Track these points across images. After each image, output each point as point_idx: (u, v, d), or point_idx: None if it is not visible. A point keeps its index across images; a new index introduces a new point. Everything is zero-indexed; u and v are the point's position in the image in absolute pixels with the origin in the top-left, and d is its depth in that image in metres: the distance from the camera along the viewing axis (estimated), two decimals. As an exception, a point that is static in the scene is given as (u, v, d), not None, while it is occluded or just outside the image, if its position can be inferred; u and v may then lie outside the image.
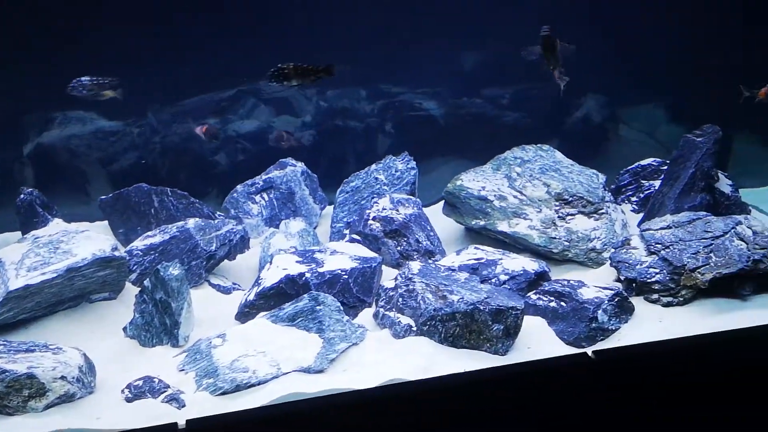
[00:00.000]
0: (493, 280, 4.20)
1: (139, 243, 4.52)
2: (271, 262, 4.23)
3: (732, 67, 5.87)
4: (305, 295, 3.83)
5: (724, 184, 5.09)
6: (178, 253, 4.41)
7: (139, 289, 3.93)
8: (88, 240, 4.10)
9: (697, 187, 4.88)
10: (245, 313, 4.04)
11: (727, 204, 5.01)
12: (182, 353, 3.70)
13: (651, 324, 3.98)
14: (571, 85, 4.34)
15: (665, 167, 5.30)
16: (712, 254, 4.12)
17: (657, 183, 5.30)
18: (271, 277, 4.09)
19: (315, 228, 5.22)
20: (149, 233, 4.60)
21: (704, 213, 4.55)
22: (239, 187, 5.33)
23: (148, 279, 3.86)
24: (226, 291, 4.45)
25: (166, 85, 5.43)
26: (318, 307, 3.75)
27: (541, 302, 4.04)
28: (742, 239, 4.16)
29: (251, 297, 4.06)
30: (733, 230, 4.23)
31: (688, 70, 6.09)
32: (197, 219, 4.68)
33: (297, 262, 4.19)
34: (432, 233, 4.80)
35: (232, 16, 5.35)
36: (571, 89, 4.29)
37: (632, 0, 5.72)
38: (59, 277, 3.86)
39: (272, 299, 4.01)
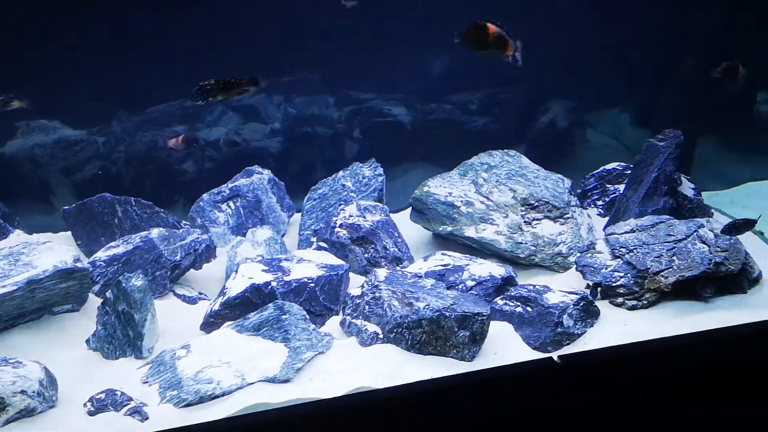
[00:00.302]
0: (460, 286, 4.21)
1: (102, 254, 4.46)
2: (237, 271, 4.20)
3: (697, 71, 5.95)
4: (270, 305, 3.80)
5: (687, 188, 5.15)
6: (142, 263, 4.36)
7: (102, 300, 3.88)
8: (50, 251, 4.04)
9: (660, 191, 4.93)
10: (210, 323, 4.00)
11: (689, 207, 5.07)
12: (146, 365, 3.65)
13: (616, 327, 4.01)
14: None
15: (629, 171, 5.35)
16: (674, 257, 4.17)
17: (622, 187, 5.35)
18: (236, 286, 4.06)
19: (283, 236, 5.19)
20: (112, 244, 4.54)
21: (667, 217, 4.61)
22: (205, 196, 5.28)
23: (110, 290, 3.81)
24: (192, 301, 4.40)
25: (132, 92, 5.38)
26: (283, 316, 3.72)
27: (507, 307, 4.05)
28: (704, 242, 4.21)
29: (216, 307, 4.02)
30: (695, 233, 4.28)
31: (653, 75, 6.17)
32: (161, 229, 4.62)
33: (263, 270, 4.16)
34: (400, 240, 4.79)
35: (200, 22, 5.31)
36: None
37: (598, 4, 5.78)
38: (20, 289, 3.80)
39: (238, 309, 3.98)
